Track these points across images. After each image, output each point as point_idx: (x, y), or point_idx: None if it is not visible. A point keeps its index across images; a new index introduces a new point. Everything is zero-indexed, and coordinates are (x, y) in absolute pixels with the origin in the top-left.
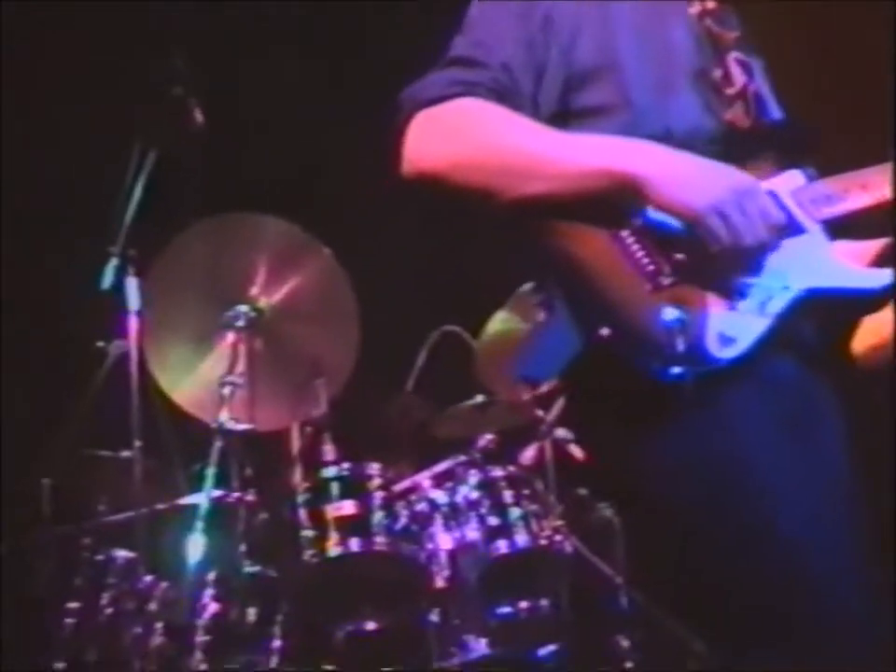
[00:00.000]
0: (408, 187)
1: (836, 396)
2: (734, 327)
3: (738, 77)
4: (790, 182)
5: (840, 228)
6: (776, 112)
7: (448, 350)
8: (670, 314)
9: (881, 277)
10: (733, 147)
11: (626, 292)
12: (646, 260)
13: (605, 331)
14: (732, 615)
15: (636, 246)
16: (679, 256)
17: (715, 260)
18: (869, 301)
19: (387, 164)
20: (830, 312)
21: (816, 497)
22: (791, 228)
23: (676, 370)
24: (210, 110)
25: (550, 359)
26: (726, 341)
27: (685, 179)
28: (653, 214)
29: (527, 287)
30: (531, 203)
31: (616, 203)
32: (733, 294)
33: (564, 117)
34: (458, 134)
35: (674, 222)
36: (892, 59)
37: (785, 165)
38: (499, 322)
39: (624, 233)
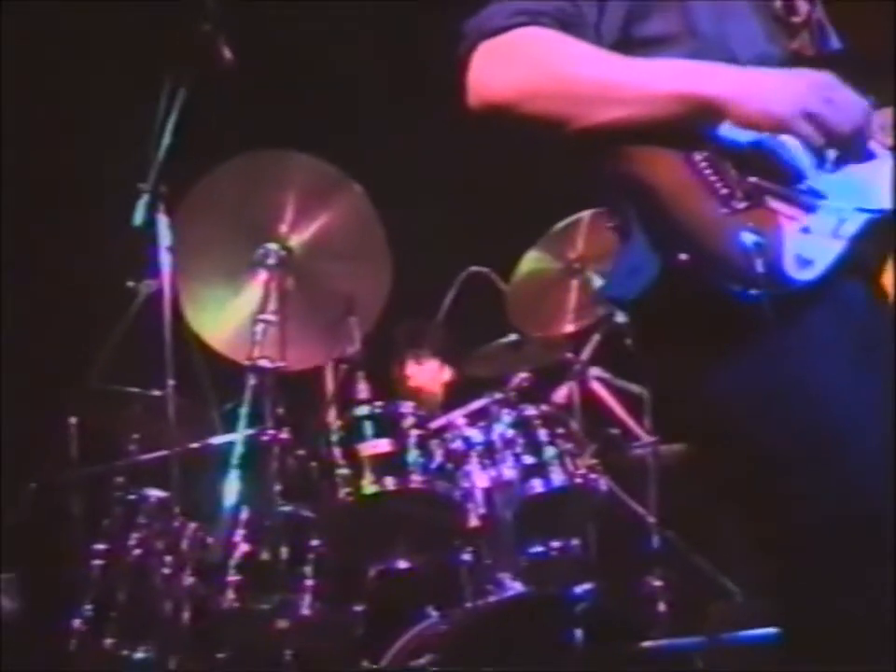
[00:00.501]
0: (475, 117)
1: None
2: (810, 249)
3: (802, 5)
4: None
5: None
6: (836, 42)
7: (476, 290)
8: (747, 236)
9: None
10: None
11: (702, 216)
12: (720, 184)
13: (683, 256)
14: (808, 542)
15: (709, 170)
16: (752, 178)
17: (787, 175)
18: None
19: (454, 94)
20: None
21: (886, 421)
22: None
23: (754, 292)
24: (240, 46)
25: (632, 279)
26: (803, 263)
27: (763, 91)
28: (724, 132)
29: (560, 225)
30: (605, 129)
31: (691, 125)
32: (807, 208)
33: (626, 46)
34: (526, 63)
35: (744, 139)
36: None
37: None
38: (532, 261)
39: (696, 157)
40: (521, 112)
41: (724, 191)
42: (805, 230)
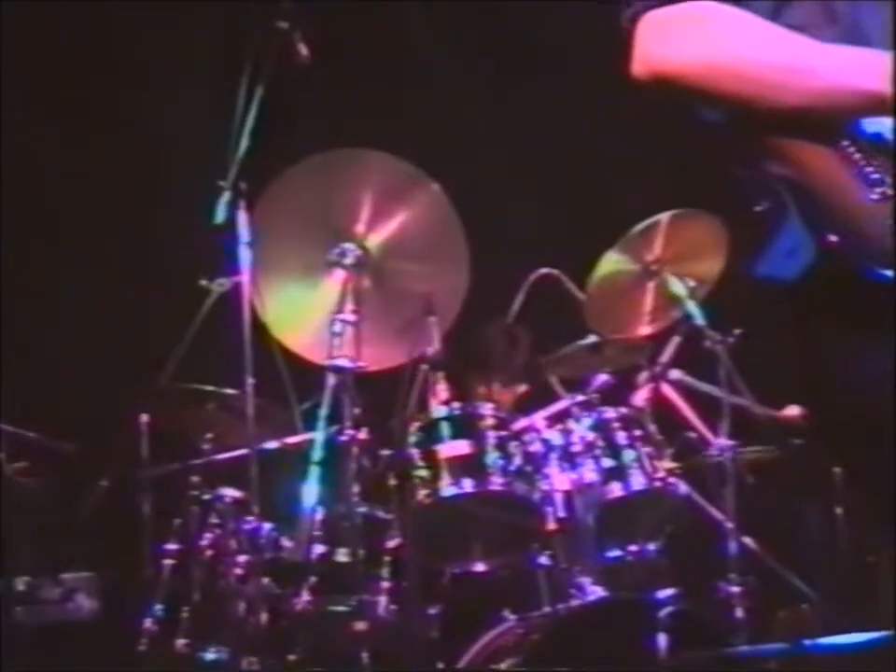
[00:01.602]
0: (639, 88)
1: None
2: None
3: None
4: None
5: None
6: None
7: (546, 292)
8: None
9: None
10: None
11: (854, 200)
12: (869, 169)
13: (833, 238)
14: None
15: (858, 155)
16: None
17: None
18: None
19: (618, 65)
20: None
21: None
22: None
23: None
24: (318, 45)
25: (789, 261)
26: None
27: None
28: (869, 126)
29: (639, 227)
30: (785, 115)
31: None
32: None
33: None
34: (708, 37)
35: (888, 132)
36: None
37: None
38: (611, 263)
39: (844, 143)
40: (701, 87)
41: (875, 176)
42: None
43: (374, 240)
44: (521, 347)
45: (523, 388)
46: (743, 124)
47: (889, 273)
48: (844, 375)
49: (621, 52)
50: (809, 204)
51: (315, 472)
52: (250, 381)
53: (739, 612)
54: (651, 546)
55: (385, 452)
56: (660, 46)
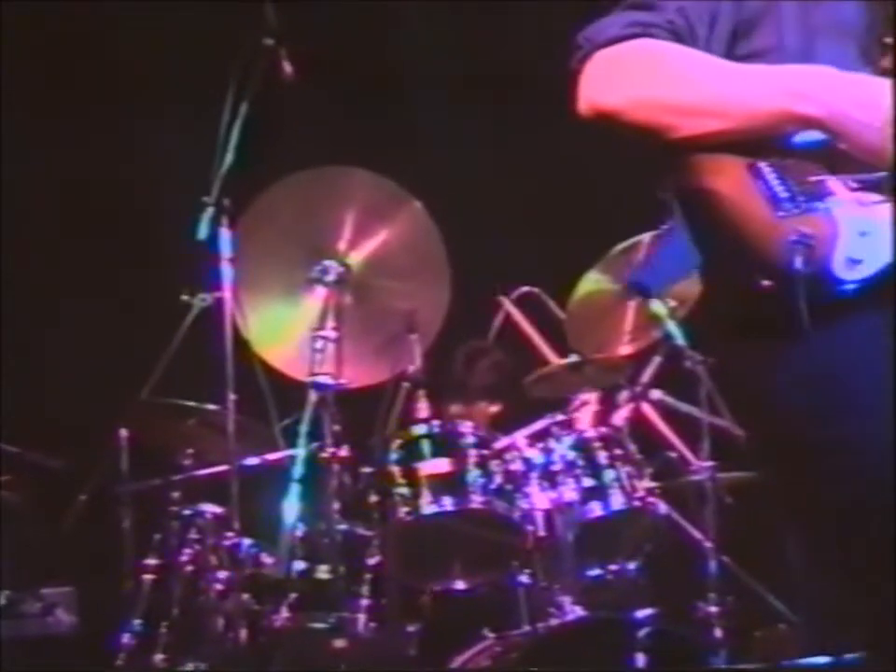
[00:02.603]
0: (586, 124)
1: None
2: (863, 250)
3: None
4: None
5: None
6: None
7: (526, 310)
8: (797, 238)
9: None
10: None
11: (756, 216)
12: (781, 187)
13: (729, 252)
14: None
15: (773, 174)
16: (815, 178)
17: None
18: None
19: (567, 103)
20: None
21: None
22: None
23: (801, 292)
24: (301, 62)
25: (663, 276)
26: (853, 263)
27: (868, 125)
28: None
29: (620, 247)
30: (703, 139)
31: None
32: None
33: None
34: (638, 73)
35: (818, 137)
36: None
37: None
38: (591, 282)
39: (762, 163)
40: (630, 119)
41: (784, 195)
42: (864, 233)
43: (356, 257)
44: (490, 366)
45: (496, 408)
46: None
47: (786, 288)
48: (740, 384)
49: (570, 92)
50: (707, 221)
51: (295, 489)
52: (231, 397)
53: (718, 632)
54: (631, 565)
55: (366, 469)
56: (598, 84)
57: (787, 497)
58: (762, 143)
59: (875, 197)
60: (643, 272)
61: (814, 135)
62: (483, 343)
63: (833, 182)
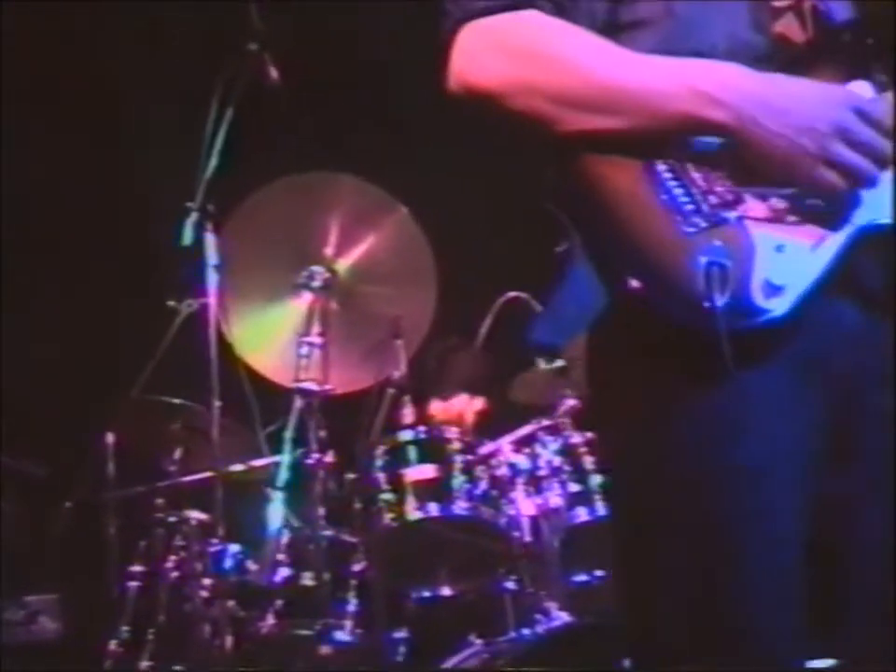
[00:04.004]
0: (454, 103)
1: None
2: (782, 272)
3: None
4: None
5: None
6: (841, 17)
7: (514, 316)
8: (709, 258)
9: None
10: (784, 64)
11: (660, 234)
12: (685, 198)
13: (634, 283)
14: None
15: (673, 182)
16: (726, 185)
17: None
18: None
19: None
20: None
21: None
22: None
23: (713, 322)
24: (288, 68)
25: (568, 323)
26: (773, 290)
27: (778, 135)
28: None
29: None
30: (594, 136)
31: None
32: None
33: (613, 29)
34: (519, 52)
35: (715, 141)
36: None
37: (850, 76)
38: None
39: (661, 167)
40: (508, 104)
41: (689, 207)
42: (780, 248)
43: (343, 263)
44: (466, 359)
45: (479, 403)
46: (559, 146)
47: (696, 321)
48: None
49: (440, 67)
50: (609, 244)
51: (280, 495)
52: (216, 403)
53: None
54: None
55: (351, 475)
56: (472, 59)
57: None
58: (659, 145)
59: (788, 211)
60: (542, 324)
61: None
62: (458, 340)
63: (741, 192)
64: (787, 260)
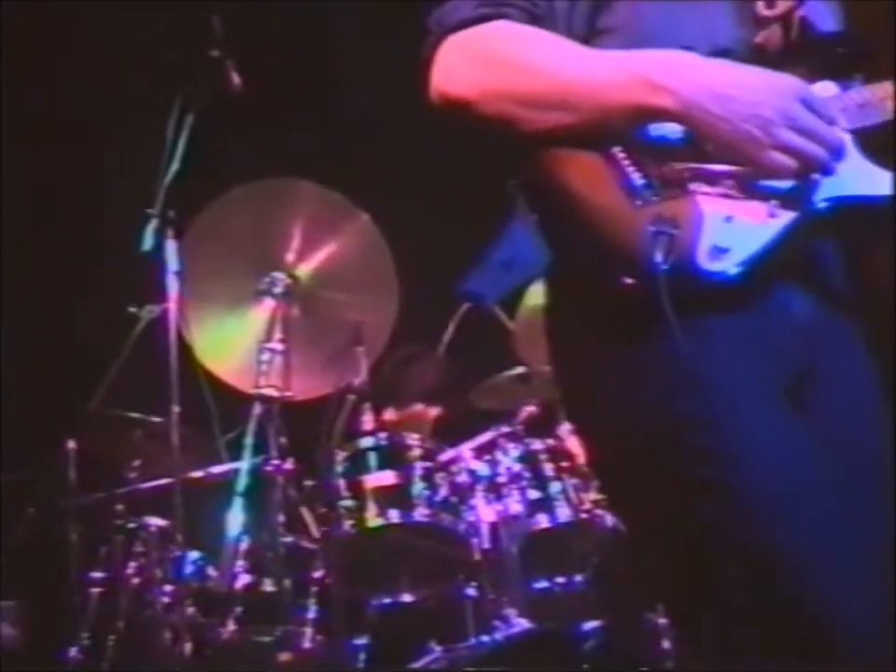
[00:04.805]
0: (435, 114)
1: (863, 345)
2: (729, 238)
3: (782, 3)
4: (820, 93)
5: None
6: (826, 28)
7: (478, 322)
8: (657, 228)
9: None
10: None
11: (612, 207)
12: (637, 175)
13: (584, 248)
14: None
15: (627, 161)
16: (679, 165)
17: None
18: None
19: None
20: (862, 231)
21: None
22: None
23: (664, 288)
24: (250, 74)
25: (502, 275)
26: (719, 252)
27: (725, 120)
28: (654, 130)
29: None
30: (555, 132)
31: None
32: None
33: (589, 38)
34: (488, 61)
35: (674, 133)
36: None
37: (818, 78)
38: (537, 295)
39: (616, 150)
40: (480, 110)
41: (641, 182)
42: (729, 219)
43: (304, 269)
44: (424, 369)
45: (435, 411)
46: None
47: (638, 281)
48: (599, 390)
49: (422, 82)
50: (559, 215)
51: (239, 502)
52: (175, 409)
53: (666, 644)
54: (579, 577)
55: (311, 482)
56: (447, 71)
57: (645, 513)
58: (615, 136)
59: (738, 187)
60: (476, 278)
61: (671, 128)
62: (417, 349)
63: (693, 168)
64: (735, 228)
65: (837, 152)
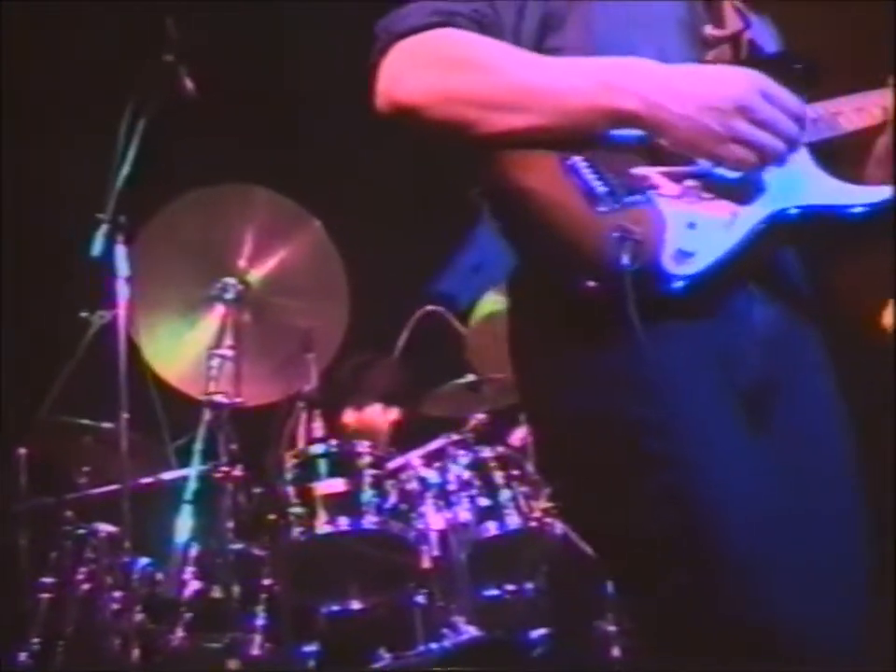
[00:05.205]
0: (384, 121)
1: (824, 355)
2: (694, 242)
3: (733, 21)
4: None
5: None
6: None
7: (431, 330)
8: (621, 234)
9: (878, 192)
10: None
11: (575, 216)
12: (598, 182)
13: (547, 253)
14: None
15: (588, 169)
16: (640, 170)
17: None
18: (865, 222)
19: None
20: (820, 240)
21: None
22: None
23: (629, 290)
24: (203, 79)
25: (472, 277)
26: (684, 255)
27: (683, 116)
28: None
29: None
30: (512, 135)
31: (603, 132)
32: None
33: (539, 52)
34: (438, 65)
35: (634, 134)
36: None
37: None
38: (491, 303)
39: (576, 158)
40: (431, 115)
41: (602, 190)
42: (692, 225)
43: (255, 275)
44: (381, 372)
45: (394, 414)
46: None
47: (603, 285)
48: (554, 390)
49: (369, 88)
50: (517, 219)
51: (188, 509)
52: (124, 415)
53: (615, 652)
54: (529, 585)
55: (261, 488)
56: (396, 76)
57: (600, 518)
58: (576, 139)
59: (701, 190)
60: (446, 280)
61: (630, 132)
62: (373, 354)
63: (655, 175)
64: (699, 234)
65: (792, 142)
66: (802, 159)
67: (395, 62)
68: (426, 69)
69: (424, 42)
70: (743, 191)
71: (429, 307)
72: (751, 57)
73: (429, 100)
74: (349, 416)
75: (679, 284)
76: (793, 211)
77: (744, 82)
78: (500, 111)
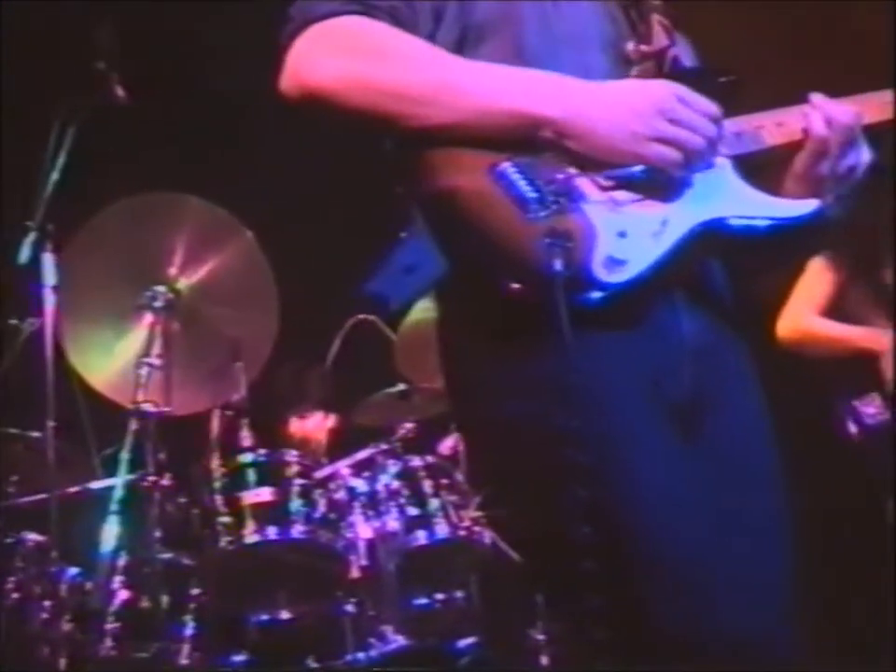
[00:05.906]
0: (290, 106)
1: (751, 366)
2: (625, 250)
3: (659, 38)
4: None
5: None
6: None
7: (362, 338)
8: (551, 240)
9: (803, 206)
10: None
11: (505, 222)
12: (528, 188)
13: (476, 258)
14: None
15: (517, 175)
16: (563, 176)
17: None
18: (788, 235)
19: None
20: (743, 252)
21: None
22: None
23: (560, 295)
24: (133, 86)
25: (405, 278)
26: (615, 263)
27: (604, 120)
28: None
29: None
30: (435, 132)
31: (524, 137)
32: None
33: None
34: (357, 51)
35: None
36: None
37: None
38: (420, 311)
39: (505, 164)
40: (345, 103)
41: (532, 196)
42: (622, 234)
43: (185, 283)
44: (318, 379)
45: (331, 421)
46: (401, 139)
47: (533, 290)
48: (480, 389)
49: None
50: (445, 223)
51: (115, 518)
52: (50, 424)
53: (545, 660)
54: (459, 594)
55: (188, 498)
56: (308, 59)
57: (525, 526)
58: (497, 140)
59: (629, 195)
60: (378, 280)
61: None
62: (306, 362)
63: (583, 182)
64: (629, 243)
65: (711, 142)
66: (726, 171)
67: (307, 44)
68: (341, 53)
69: (340, 26)
70: (670, 192)
71: (361, 315)
72: (674, 71)
73: (342, 86)
74: (294, 426)
75: (608, 292)
76: (719, 221)
77: (661, 89)
78: (416, 105)
